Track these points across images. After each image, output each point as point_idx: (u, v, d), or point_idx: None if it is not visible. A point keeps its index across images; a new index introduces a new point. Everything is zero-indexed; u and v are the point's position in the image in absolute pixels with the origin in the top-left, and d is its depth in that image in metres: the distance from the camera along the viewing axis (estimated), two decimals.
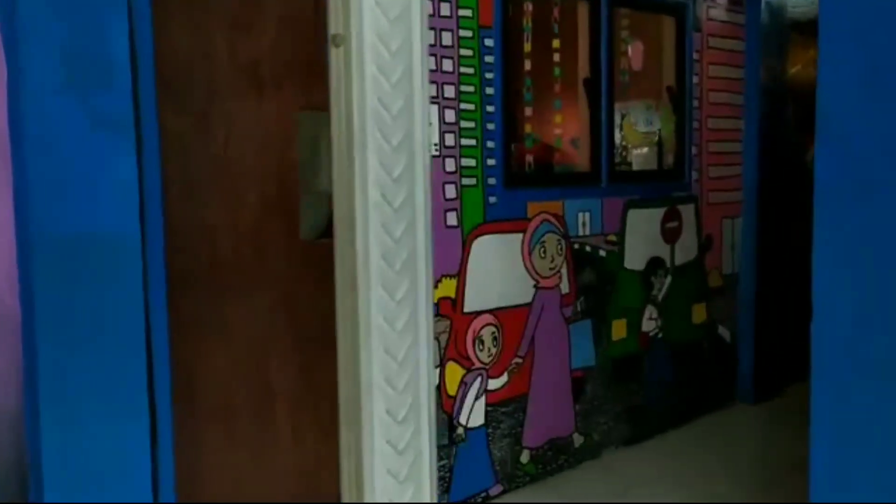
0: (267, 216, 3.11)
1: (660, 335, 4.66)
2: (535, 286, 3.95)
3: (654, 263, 4.59)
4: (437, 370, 3.57)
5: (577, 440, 4.23)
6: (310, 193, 3.28)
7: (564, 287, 4.10)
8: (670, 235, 4.68)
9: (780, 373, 5.42)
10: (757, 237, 5.13)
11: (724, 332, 5.13)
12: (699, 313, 4.94)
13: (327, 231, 3.34)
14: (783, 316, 5.43)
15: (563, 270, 4.09)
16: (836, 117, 2.23)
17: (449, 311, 3.60)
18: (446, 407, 3.62)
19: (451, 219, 3.59)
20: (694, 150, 4.79)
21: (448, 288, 3.59)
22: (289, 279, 3.18)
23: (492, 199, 3.75)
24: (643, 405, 4.58)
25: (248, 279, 3.07)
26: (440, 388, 3.59)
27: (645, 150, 4.71)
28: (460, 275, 3.63)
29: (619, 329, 4.42)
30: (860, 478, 2.22)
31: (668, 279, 4.69)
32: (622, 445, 4.47)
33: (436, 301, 3.54)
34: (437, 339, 3.55)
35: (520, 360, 3.91)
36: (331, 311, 3.19)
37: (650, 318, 4.59)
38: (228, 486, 3.02)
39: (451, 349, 3.62)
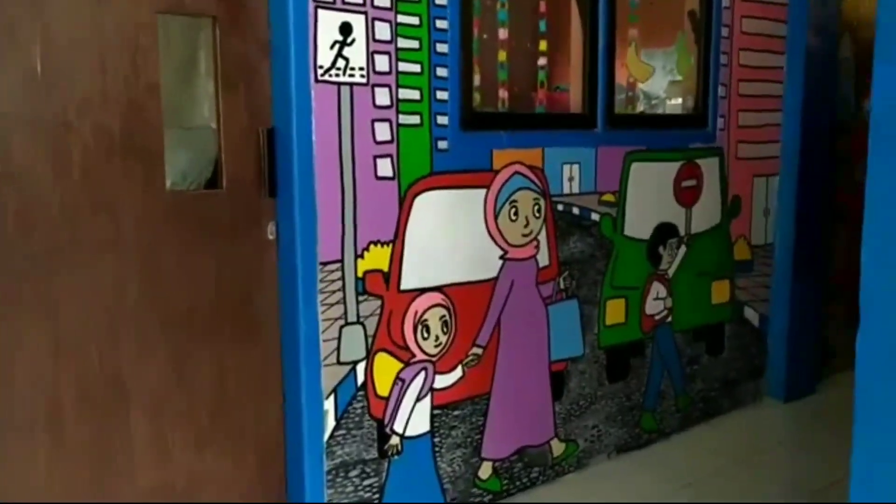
0: (110, 158, 2.29)
1: (669, 319, 3.79)
2: (502, 257, 3.10)
3: (664, 231, 3.70)
4: (364, 364, 2.76)
5: (557, 448, 3.40)
6: (180, 129, 2.47)
7: (543, 259, 3.25)
8: (687, 196, 3.78)
9: (818, 365, 4.52)
10: (797, 201, 4.19)
11: (751, 315, 4.23)
12: (721, 292, 4.04)
13: (213, 180, 2.54)
14: (824, 297, 4.51)
15: (542, 238, 3.23)
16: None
17: (379, 287, 2.77)
18: (375, 411, 2.81)
19: (384, 168, 2.75)
20: (721, 90, 3.86)
21: (378, 258, 2.76)
22: (146, 242, 2.38)
23: (442, 144, 2.89)
24: (644, 404, 3.74)
25: (85, 240, 2.27)
26: (366, 386, 2.78)
27: (657, 88, 3.79)
28: (396, 242, 2.80)
29: (615, 311, 3.56)
30: None
31: (682, 250, 3.80)
32: (616, 453, 3.64)
33: (360, 275, 2.72)
34: (362, 323, 2.73)
35: (479, 351, 3.08)
36: (208, 286, 2.39)
37: (657, 298, 3.72)
38: None
39: (381, 337, 2.80)
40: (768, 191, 4.20)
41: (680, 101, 3.83)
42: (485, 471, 3.16)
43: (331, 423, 2.70)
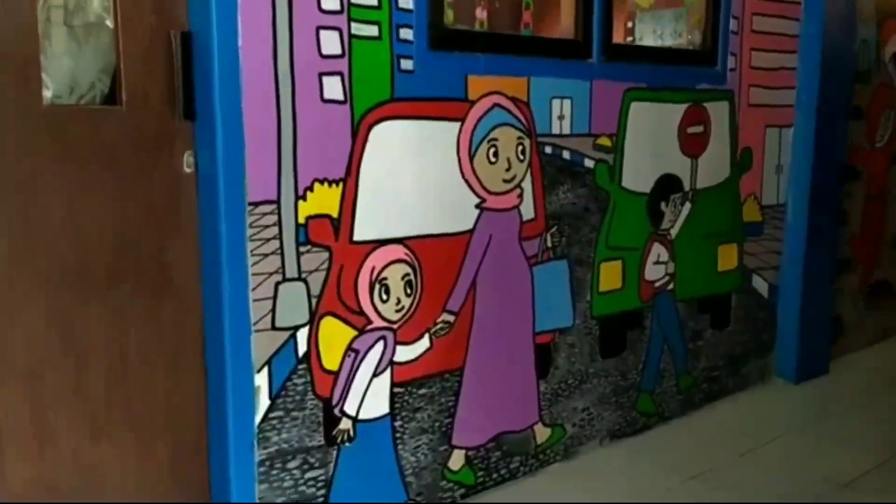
0: None
1: (671, 286, 3.29)
2: (478, 206, 2.59)
3: (667, 184, 3.20)
4: (306, 330, 2.24)
5: (542, 434, 2.90)
6: (66, 26, 1.93)
7: (528, 211, 2.73)
8: (693, 145, 3.28)
9: (831, 341, 4.06)
10: (815, 156, 3.70)
11: (759, 284, 3.74)
12: (728, 257, 3.55)
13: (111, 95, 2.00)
14: (841, 265, 4.04)
15: (527, 185, 2.71)
16: None
17: (326, 236, 2.25)
18: (320, 388, 2.30)
19: (332, 89, 2.22)
20: (733, 24, 3.35)
21: (325, 200, 2.24)
22: (18, 173, 1.84)
23: (406, 65, 2.36)
24: (642, 383, 3.24)
25: None
26: (309, 358, 2.26)
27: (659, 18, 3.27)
28: (348, 181, 2.28)
29: (610, 275, 3.06)
30: None
31: (687, 207, 3.30)
32: (609, 439, 3.15)
33: (303, 221, 2.20)
34: (303, 280, 2.21)
35: (451, 318, 2.57)
36: (103, 230, 1.86)
37: (658, 262, 3.22)
38: None
39: (329, 297, 2.28)
40: (781, 144, 3.71)
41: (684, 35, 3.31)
42: (456, 461, 2.65)
43: (264, 402, 2.18)
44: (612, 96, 2.95)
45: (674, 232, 3.27)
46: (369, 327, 2.38)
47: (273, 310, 2.17)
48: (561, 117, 2.78)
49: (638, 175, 3.09)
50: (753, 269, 3.69)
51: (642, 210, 3.13)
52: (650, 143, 3.11)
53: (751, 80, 3.48)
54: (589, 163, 2.91)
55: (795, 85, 3.69)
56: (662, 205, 3.19)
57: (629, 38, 3.70)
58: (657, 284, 3.24)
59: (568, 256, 2.89)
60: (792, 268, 3.78)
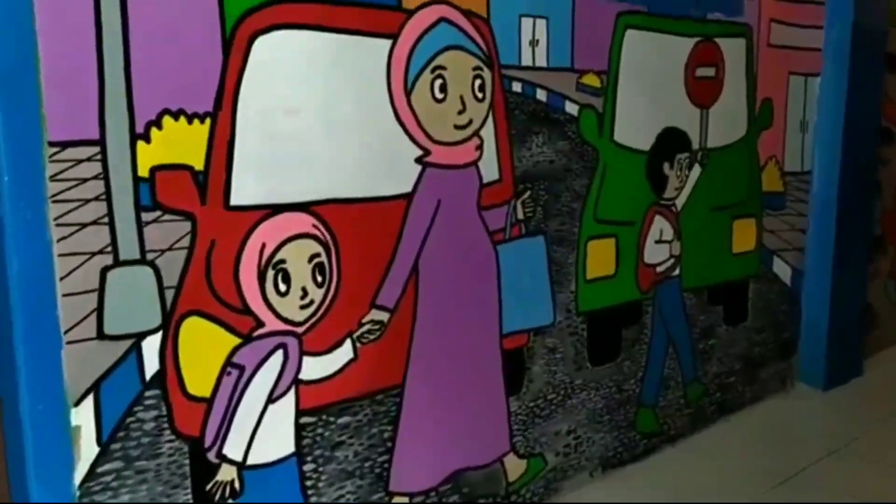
0: None
1: (676, 272, 2.58)
2: (420, 160, 1.86)
3: (672, 140, 2.49)
4: (158, 338, 1.50)
5: (515, 468, 2.18)
6: None
7: (489, 169, 2.01)
8: (703, 91, 2.58)
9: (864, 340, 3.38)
10: (847, 112, 3.00)
11: (781, 269, 3.04)
12: (745, 236, 2.85)
13: None
14: (872, 245, 3.37)
15: (488, 134, 1.99)
16: None
17: (185, 197, 1.51)
18: (183, 424, 1.55)
19: None
20: None
21: (181, 142, 1.50)
22: None
23: None
24: (642, 396, 2.53)
25: None
26: (163, 380, 1.52)
27: None
28: (220, 117, 1.53)
29: (600, 258, 2.34)
30: None
31: (696, 171, 2.59)
32: (602, 470, 2.43)
33: (146, 174, 1.45)
34: (150, 263, 1.46)
35: (384, 316, 1.84)
36: None
37: (660, 241, 2.51)
38: None
39: (194, 288, 1.54)
40: (807, 96, 3.01)
41: None
42: None
43: (88, 450, 1.44)
44: (602, 19, 2.24)
45: (680, 202, 2.56)
46: (260, 332, 1.64)
47: (99, 309, 1.42)
48: (534, 43, 2.06)
49: (635, 127, 2.38)
50: (774, 250, 2.99)
51: (640, 173, 2.42)
52: (650, 85, 2.41)
53: (773, 13, 2.78)
54: (571, 108, 2.19)
55: (823, 24, 2.99)
56: (666, 167, 2.48)
57: None
58: (659, 270, 2.53)
59: (545, 232, 2.16)
60: (819, 249, 3.09)
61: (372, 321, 1.82)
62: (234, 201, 1.57)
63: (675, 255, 2.56)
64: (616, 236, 2.38)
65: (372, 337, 1.83)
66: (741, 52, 2.70)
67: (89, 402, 1.43)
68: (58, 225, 1.36)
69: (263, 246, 1.62)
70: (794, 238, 3.07)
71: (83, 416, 1.42)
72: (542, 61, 2.09)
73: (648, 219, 2.46)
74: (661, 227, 2.51)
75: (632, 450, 2.53)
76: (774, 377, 3.07)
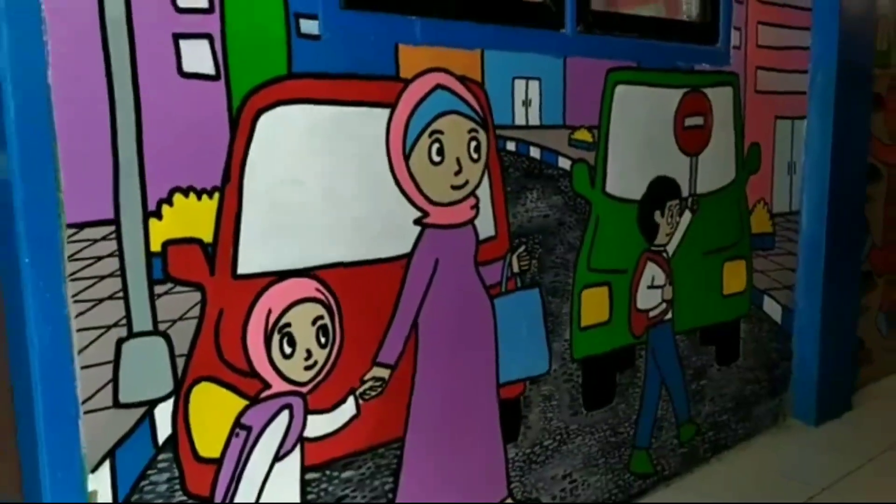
0: None
1: (668, 316, 2.65)
2: (418, 222, 1.93)
3: (662, 189, 2.57)
4: (171, 404, 1.56)
5: None
6: None
7: (486, 226, 2.08)
8: (692, 140, 2.65)
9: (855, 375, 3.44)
10: (833, 153, 3.08)
11: (773, 307, 3.11)
12: (736, 277, 2.92)
13: None
14: (865, 282, 3.44)
15: (483, 193, 2.06)
16: None
17: (195, 270, 1.58)
18: (195, 485, 1.62)
19: (197, 58, 1.55)
20: None
21: (191, 217, 1.57)
22: None
23: (308, 27, 1.71)
24: (636, 438, 2.60)
25: None
26: (175, 444, 1.58)
27: None
28: (227, 191, 1.61)
29: (594, 306, 2.41)
30: None
31: (687, 217, 2.67)
32: None
33: (158, 248, 1.53)
34: (163, 334, 1.53)
35: (384, 373, 1.91)
36: None
37: (652, 286, 2.58)
38: None
39: (204, 356, 1.60)
40: (793, 139, 3.09)
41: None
42: None
43: None
44: (592, 77, 2.31)
45: (671, 248, 2.63)
46: (267, 393, 1.71)
47: (115, 380, 1.49)
48: (527, 103, 2.14)
49: (626, 178, 2.45)
50: (764, 289, 3.06)
51: (632, 222, 2.50)
52: (640, 137, 2.48)
53: (759, 60, 2.87)
54: (564, 163, 2.27)
55: (808, 68, 3.07)
56: (657, 215, 2.56)
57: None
58: (652, 314, 2.60)
59: (540, 284, 2.23)
60: (809, 288, 3.16)
61: (373, 378, 1.89)
62: (241, 270, 1.64)
63: (667, 299, 2.64)
64: (609, 284, 2.45)
65: (374, 393, 1.89)
66: (728, 100, 2.78)
67: (105, 467, 1.49)
68: (75, 301, 1.43)
69: (269, 311, 1.69)
70: (784, 277, 3.14)
71: (98, 482, 1.49)
72: (534, 120, 2.17)
73: (641, 266, 2.53)
74: (653, 273, 2.58)
75: (626, 491, 2.59)
76: (767, 414, 3.14)
